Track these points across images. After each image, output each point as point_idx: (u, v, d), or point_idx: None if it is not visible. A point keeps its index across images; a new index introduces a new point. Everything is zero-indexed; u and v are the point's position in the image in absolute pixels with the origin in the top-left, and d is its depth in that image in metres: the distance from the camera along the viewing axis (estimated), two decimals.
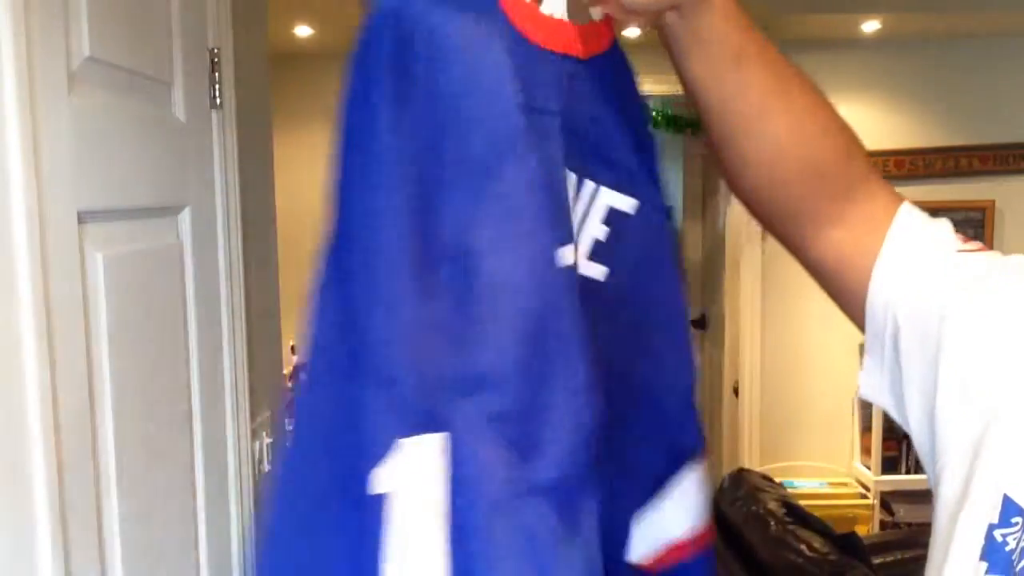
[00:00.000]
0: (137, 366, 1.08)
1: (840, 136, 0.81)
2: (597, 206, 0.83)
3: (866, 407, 4.05)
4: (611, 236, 0.83)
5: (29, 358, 0.82)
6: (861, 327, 0.82)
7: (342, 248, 0.65)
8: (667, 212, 0.89)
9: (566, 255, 0.72)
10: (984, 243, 0.81)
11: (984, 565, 0.70)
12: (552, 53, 0.76)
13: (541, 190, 0.70)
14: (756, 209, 0.84)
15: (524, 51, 0.73)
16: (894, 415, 0.81)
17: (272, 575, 0.65)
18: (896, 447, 3.97)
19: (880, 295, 0.79)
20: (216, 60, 1.39)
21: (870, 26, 3.73)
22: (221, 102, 1.40)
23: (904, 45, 3.92)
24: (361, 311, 0.63)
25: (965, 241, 0.79)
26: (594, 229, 0.84)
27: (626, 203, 0.84)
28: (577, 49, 0.77)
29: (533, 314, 0.67)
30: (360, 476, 0.61)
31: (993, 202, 4.05)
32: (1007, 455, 0.71)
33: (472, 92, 0.68)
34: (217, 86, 1.39)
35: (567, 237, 0.73)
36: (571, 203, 0.80)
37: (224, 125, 1.42)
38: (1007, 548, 0.69)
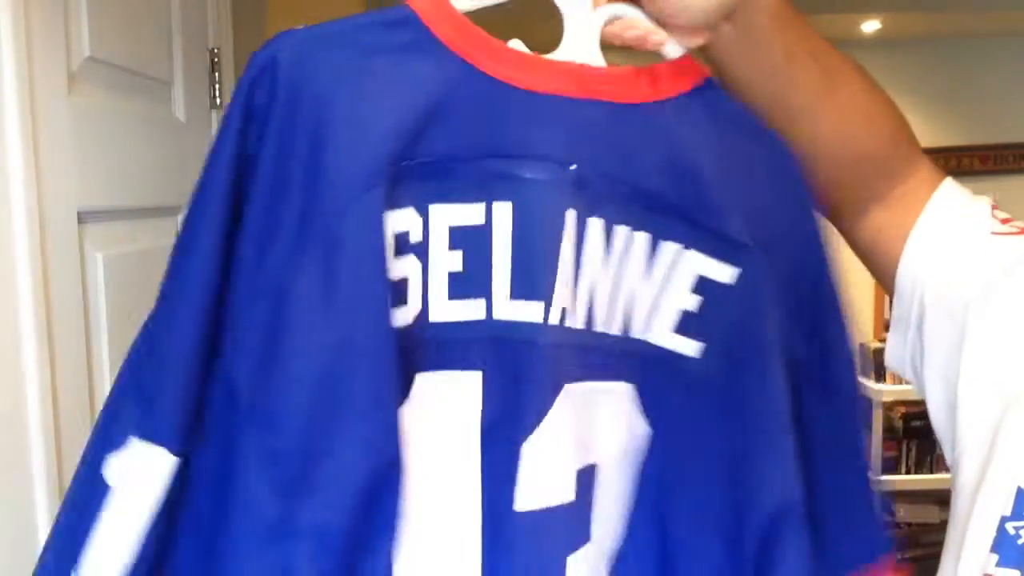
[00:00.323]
0: None
1: (885, 124, 0.81)
2: (681, 272, 0.75)
3: (865, 407, 4.05)
4: (706, 308, 0.75)
5: (29, 358, 0.82)
6: (889, 293, 0.83)
7: (170, 266, 0.70)
8: (807, 280, 0.77)
9: (399, 316, 0.69)
10: None
11: (995, 557, 0.70)
12: (561, 98, 0.71)
13: (372, 248, 0.67)
14: None
15: (494, 96, 0.70)
16: (915, 390, 0.82)
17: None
18: (896, 447, 3.98)
19: (908, 275, 0.79)
20: (216, 60, 1.39)
21: (870, 26, 3.73)
22: (221, 102, 1.40)
23: (904, 45, 3.92)
24: (153, 322, 0.71)
25: (1004, 222, 0.79)
26: (680, 298, 0.75)
27: (721, 271, 0.74)
28: (607, 93, 0.72)
29: (330, 365, 0.67)
30: (96, 453, 0.68)
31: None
32: (1022, 447, 0.71)
33: (326, 143, 0.67)
34: (217, 86, 1.39)
35: (405, 299, 0.70)
36: (637, 264, 0.74)
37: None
38: (1020, 541, 0.69)
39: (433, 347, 0.70)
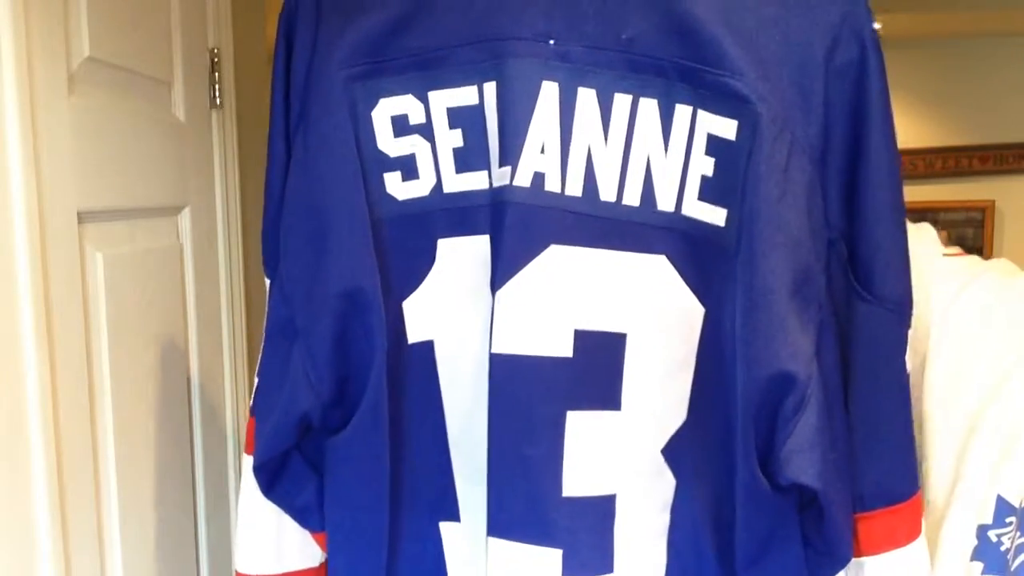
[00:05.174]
0: (137, 366, 1.08)
1: None
2: (698, 134, 0.73)
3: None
4: (718, 169, 0.73)
5: (29, 358, 0.82)
6: None
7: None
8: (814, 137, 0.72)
9: (411, 188, 0.81)
10: (983, 243, 0.84)
11: (979, 565, 0.71)
12: None
13: (338, 120, 0.79)
14: None
15: None
16: None
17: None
18: None
19: None
20: (216, 60, 1.39)
21: None
22: (221, 102, 1.40)
23: (904, 45, 3.92)
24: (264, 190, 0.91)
25: (947, 245, 0.82)
26: (700, 163, 0.73)
27: (725, 127, 0.72)
28: None
29: (313, 212, 0.80)
30: None
31: (993, 202, 4.05)
32: (997, 459, 0.72)
33: (319, 37, 0.80)
34: (217, 86, 1.39)
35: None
36: (651, 133, 0.74)
37: (224, 125, 1.42)
38: (1002, 548, 0.70)
39: (449, 215, 0.80)
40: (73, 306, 0.91)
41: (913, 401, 0.78)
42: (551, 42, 0.75)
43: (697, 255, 0.75)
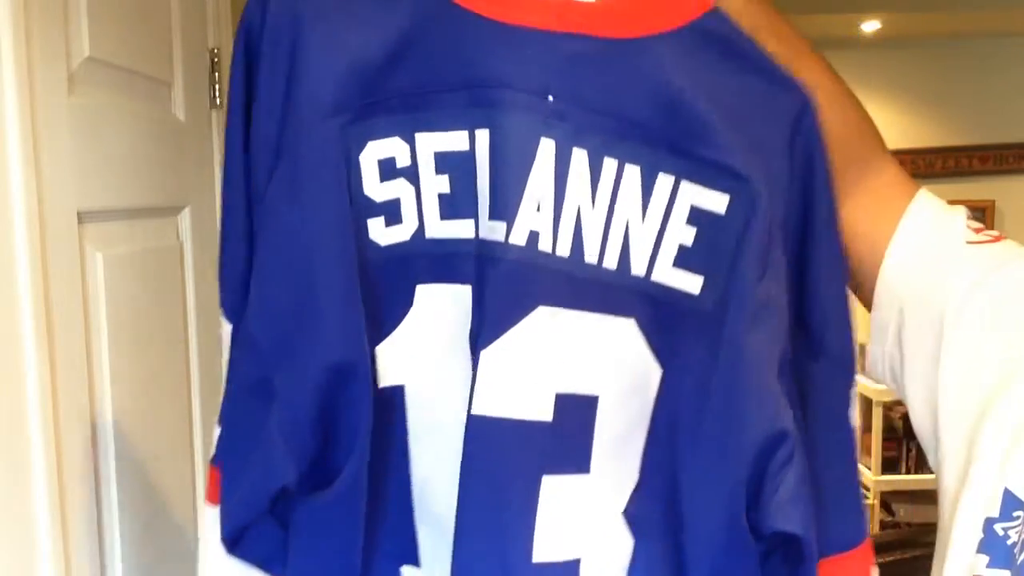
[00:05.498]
0: (137, 366, 1.08)
1: (850, 111, 0.82)
2: (679, 205, 0.75)
3: (866, 407, 4.05)
4: (700, 239, 0.75)
5: (29, 358, 0.82)
6: (867, 306, 0.83)
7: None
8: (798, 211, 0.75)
9: (393, 233, 0.77)
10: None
11: (984, 558, 0.71)
12: (539, 31, 0.74)
13: (331, 172, 0.74)
14: None
15: (471, 29, 0.74)
16: (898, 394, 0.83)
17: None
18: (896, 447, 3.98)
19: (887, 289, 0.80)
20: (216, 60, 1.39)
21: (870, 26, 3.74)
22: (221, 102, 1.40)
23: (904, 45, 3.92)
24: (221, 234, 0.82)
25: (977, 231, 0.80)
26: (678, 232, 0.75)
27: (713, 200, 0.74)
28: (591, 27, 0.74)
29: (292, 276, 0.75)
30: None
31: (993, 202, 4.06)
32: (1006, 450, 0.72)
33: (300, 76, 0.74)
34: (217, 86, 1.39)
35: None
36: (631, 199, 0.75)
37: (224, 125, 1.42)
38: (1009, 542, 0.70)
39: (430, 261, 0.77)
40: (73, 306, 0.91)
41: (927, 394, 0.78)
42: (549, 98, 0.74)
43: (664, 318, 0.76)
